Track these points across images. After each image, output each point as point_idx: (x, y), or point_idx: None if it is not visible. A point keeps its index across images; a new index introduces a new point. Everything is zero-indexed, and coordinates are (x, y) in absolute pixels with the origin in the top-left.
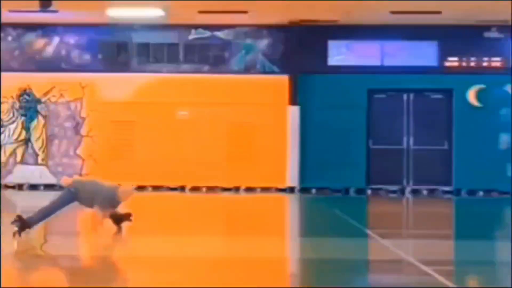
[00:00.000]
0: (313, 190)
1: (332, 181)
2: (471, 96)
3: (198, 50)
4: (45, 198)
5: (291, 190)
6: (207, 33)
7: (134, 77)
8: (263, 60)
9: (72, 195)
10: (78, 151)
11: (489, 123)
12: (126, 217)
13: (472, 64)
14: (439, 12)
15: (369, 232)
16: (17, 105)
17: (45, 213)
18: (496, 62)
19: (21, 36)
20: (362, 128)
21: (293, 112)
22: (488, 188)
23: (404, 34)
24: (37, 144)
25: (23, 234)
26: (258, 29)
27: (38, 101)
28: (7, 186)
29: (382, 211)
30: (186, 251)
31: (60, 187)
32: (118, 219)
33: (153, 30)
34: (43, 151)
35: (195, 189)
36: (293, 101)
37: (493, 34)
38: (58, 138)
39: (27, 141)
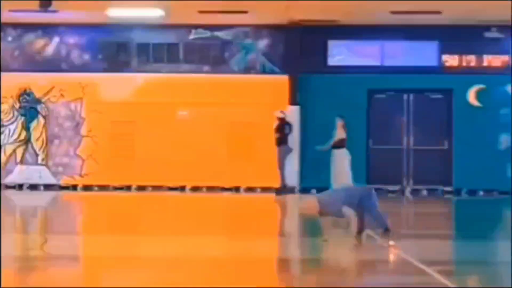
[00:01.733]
0: (313, 190)
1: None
2: (471, 96)
3: (198, 50)
4: (45, 198)
5: (291, 190)
6: (207, 33)
7: (134, 77)
8: (263, 60)
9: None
10: (78, 151)
11: (489, 123)
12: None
13: (472, 64)
14: (439, 12)
15: (368, 232)
16: (17, 105)
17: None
18: (496, 62)
19: (21, 36)
20: (362, 128)
21: (293, 112)
22: (488, 188)
23: (404, 34)
24: (37, 144)
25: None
26: (258, 29)
27: (38, 101)
28: (7, 186)
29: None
30: (187, 251)
31: (60, 187)
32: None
33: (153, 30)
34: (43, 151)
35: (195, 189)
36: (293, 101)
37: (493, 34)
38: (58, 138)
39: (27, 141)
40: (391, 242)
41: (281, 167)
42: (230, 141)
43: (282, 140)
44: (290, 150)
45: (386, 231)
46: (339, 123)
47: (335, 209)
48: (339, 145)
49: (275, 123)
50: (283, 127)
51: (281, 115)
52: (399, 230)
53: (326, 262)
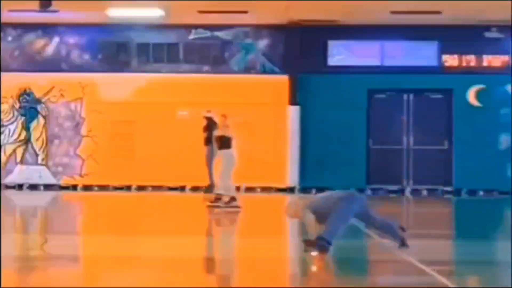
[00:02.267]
0: (313, 190)
1: (332, 181)
2: (471, 96)
3: (198, 50)
4: (45, 198)
5: (291, 190)
6: (207, 33)
7: (134, 77)
8: (263, 60)
9: (357, 209)
10: (78, 151)
11: (489, 123)
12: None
13: (472, 64)
14: (439, 12)
15: (369, 232)
16: (17, 105)
17: (339, 226)
18: (496, 62)
19: (21, 36)
20: (362, 128)
21: (293, 112)
22: (488, 188)
23: (404, 34)
24: (37, 144)
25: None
26: (258, 29)
27: (38, 101)
28: (7, 186)
29: (382, 211)
30: (187, 251)
31: (60, 187)
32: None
33: (153, 30)
34: (43, 151)
35: (195, 189)
36: (293, 101)
37: (493, 34)
38: (58, 138)
39: (27, 141)
40: (314, 253)
41: (209, 166)
42: None
43: (209, 140)
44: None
45: (323, 243)
46: (223, 121)
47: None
48: (225, 145)
49: (203, 122)
50: (210, 126)
51: (208, 115)
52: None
53: (328, 262)
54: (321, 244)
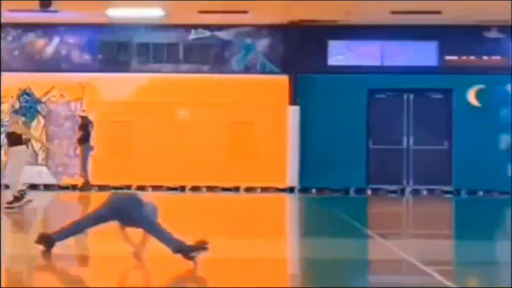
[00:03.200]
0: (313, 190)
1: (332, 181)
2: (471, 96)
3: (198, 50)
4: (45, 198)
5: (291, 190)
6: (207, 33)
7: (134, 77)
8: (263, 60)
9: (110, 214)
10: (78, 151)
11: (489, 123)
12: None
13: (472, 64)
14: (439, 12)
15: (369, 232)
16: (17, 105)
17: (76, 229)
18: (496, 62)
19: (21, 36)
20: (362, 128)
21: (293, 112)
22: (488, 188)
23: (404, 34)
24: (37, 144)
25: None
26: (258, 29)
27: (38, 101)
28: (7, 186)
29: (382, 211)
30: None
31: (60, 187)
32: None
33: (153, 30)
34: (43, 151)
35: (195, 189)
36: (293, 101)
37: (493, 34)
38: (58, 138)
39: (27, 141)
40: (41, 248)
41: (84, 164)
42: (230, 141)
43: (84, 139)
44: (91, 148)
45: (49, 240)
46: (14, 119)
47: None
48: (16, 141)
49: (79, 121)
50: (86, 126)
51: (83, 114)
52: (399, 230)
53: (325, 262)
54: (47, 240)
